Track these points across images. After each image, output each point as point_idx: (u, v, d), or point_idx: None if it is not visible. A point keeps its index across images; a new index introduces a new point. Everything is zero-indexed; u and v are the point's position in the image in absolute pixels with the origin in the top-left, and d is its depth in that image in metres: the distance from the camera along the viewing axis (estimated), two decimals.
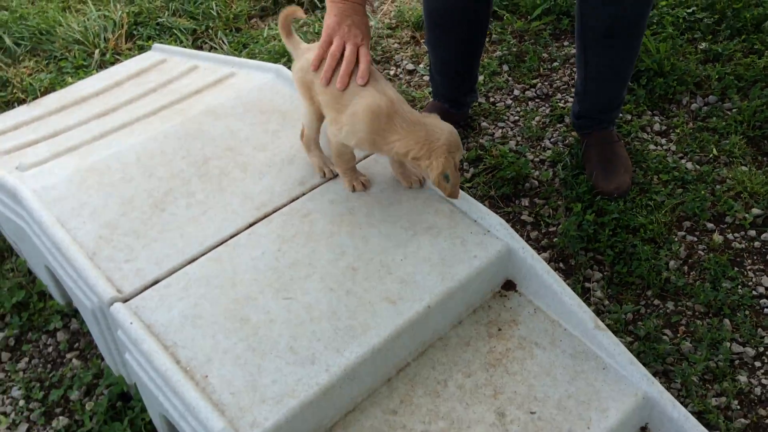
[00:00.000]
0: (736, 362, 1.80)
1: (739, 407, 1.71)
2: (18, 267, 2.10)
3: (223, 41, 2.99)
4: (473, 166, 2.34)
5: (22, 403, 1.80)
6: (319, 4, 3.21)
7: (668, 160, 2.32)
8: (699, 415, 1.66)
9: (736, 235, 2.11)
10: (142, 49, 2.92)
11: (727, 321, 1.88)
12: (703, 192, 2.20)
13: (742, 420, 1.67)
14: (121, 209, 1.67)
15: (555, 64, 2.78)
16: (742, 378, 1.76)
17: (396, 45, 2.97)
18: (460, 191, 1.65)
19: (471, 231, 1.63)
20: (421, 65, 2.83)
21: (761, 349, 1.83)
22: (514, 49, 2.85)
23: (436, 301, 1.49)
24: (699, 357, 1.79)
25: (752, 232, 2.10)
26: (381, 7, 3.21)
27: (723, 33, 2.82)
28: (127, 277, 1.52)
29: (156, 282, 1.51)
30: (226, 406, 1.29)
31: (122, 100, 2.18)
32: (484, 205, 2.17)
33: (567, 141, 2.42)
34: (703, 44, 2.78)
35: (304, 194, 1.72)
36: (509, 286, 1.67)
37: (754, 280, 1.98)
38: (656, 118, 2.50)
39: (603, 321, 1.85)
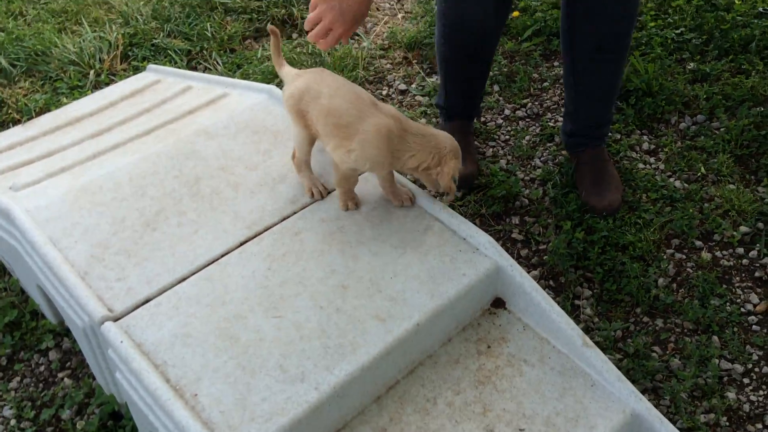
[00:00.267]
0: (725, 379, 1.82)
1: (728, 423, 1.72)
2: (11, 286, 2.10)
3: (217, 62, 3.02)
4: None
5: (13, 422, 1.80)
6: None
7: (657, 178, 2.35)
8: None
9: (724, 252, 2.13)
10: (136, 70, 2.95)
11: (715, 338, 1.90)
12: (691, 210, 2.22)
13: None
14: (112, 228, 1.68)
15: (545, 84, 2.81)
16: (731, 395, 1.77)
17: (388, 65, 3.00)
18: (451, 210, 1.71)
19: (460, 249, 1.64)
20: (413, 85, 2.87)
21: (750, 366, 1.84)
22: (505, 70, 2.89)
23: (426, 318, 1.50)
24: (688, 374, 1.80)
25: (740, 250, 2.12)
26: (374, 28, 3.25)
27: (711, 53, 2.86)
28: (118, 296, 1.53)
29: (147, 301, 1.52)
30: (215, 424, 1.29)
31: (116, 120, 2.20)
32: (475, 223, 2.20)
33: (557, 160, 2.45)
34: (692, 64, 2.82)
35: (295, 213, 1.73)
36: (498, 303, 1.68)
37: (742, 297, 2.00)
38: (645, 137, 2.53)
39: (592, 338, 1.87)
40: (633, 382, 1.74)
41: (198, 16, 3.30)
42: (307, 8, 3.31)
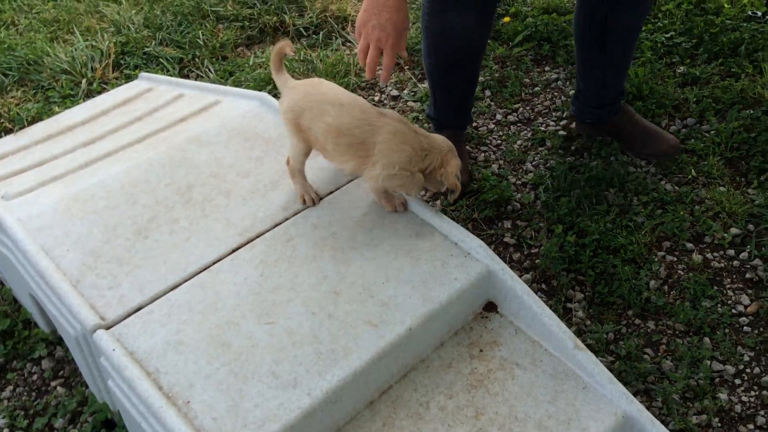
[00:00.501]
0: (717, 380, 1.82)
1: (719, 425, 1.73)
2: (3, 295, 2.10)
3: (209, 69, 3.03)
4: None
5: (6, 431, 1.80)
6: (304, 33, 3.26)
7: (648, 181, 2.36)
8: None
9: (715, 254, 2.14)
10: (128, 78, 2.96)
11: (707, 339, 1.91)
12: (682, 212, 2.24)
13: None
14: (104, 237, 1.68)
15: (536, 89, 2.83)
16: (723, 396, 1.78)
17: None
18: (442, 215, 1.72)
19: (452, 254, 1.65)
20: (405, 91, 2.88)
21: (741, 367, 1.85)
22: (497, 75, 2.90)
23: (418, 323, 1.51)
24: (679, 375, 1.81)
25: (731, 252, 2.13)
26: None
27: (700, 57, 2.88)
28: (110, 304, 1.53)
29: (139, 308, 1.52)
30: (208, 431, 1.30)
31: (108, 128, 2.21)
32: (467, 227, 2.21)
33: (548, 164, 2.46)
34: (681, 68, 2.84)
35: (287, 219, 1.74)
36: (490, 307, 1.69)
37: (733, 298, 2.01)
38: None
39: (584, 341, 1.88)
40: (625, 384, 1.75)
41: (190, 24, 3.31)
42: (300, 14, 3.34)
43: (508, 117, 2.71)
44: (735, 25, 2.99)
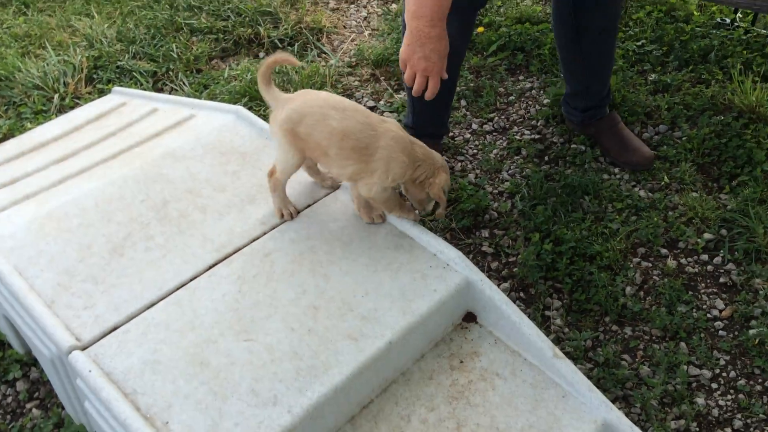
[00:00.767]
0: (694, 385, 1.85)
1: (698, 429, 1.75)
2: None
3: (183, 83, 3.01)
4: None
5: None
6: (279, 45, 3.26)
7: (622, 188, 2.39)
8: None
9: (689, 259, 2.17)
10: (102, 93, 2.93)
11: (683, 344, 1.93)
12: (656, 219, 2.26)
13: None
14: (79, 255, 1.66)
15: (511, 98, 2.85)
16: (700, 400, 1.80)
17: (356, 83, 3.02)
18: (421, 226, 1.74)
19: (431, 265, 1.66)
20: (382, 102, 2.88)
21: (717, 371, 1.87)
22: (472, 85, 2.92)
23: (398, 336, 1.51)
24: (657, 381, 1.83)
25: (704, 257, 2.16)
26: (341, 45, 3.27)
27: (671, 64, 2.92)
28: (85, 324, 1.51)
29: (115, 328, 1.50)
30: None
31: (81, 144, 2.18)
32: (446, 237, 2.22)
33: (524, 173, 2.48)
34: (653, 75, 2.88)
35: (264, 234, 1.73)
36: (470, 318, 1.69)
37: (708, 303, 2.04)
38: None
39: (563, 348, 1.89)
40: (604, 390, 1.76)
41: (163, 37, 3.29)
42: (274, 26, 3.34)
43: (484, 126, 2.73)
44: (704, 33, 3.04)
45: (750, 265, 2.12)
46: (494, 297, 1.62)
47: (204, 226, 1.74)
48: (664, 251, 2.19)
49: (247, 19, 3.37)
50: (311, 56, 3.17)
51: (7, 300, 1.63)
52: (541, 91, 2.86)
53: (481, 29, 3.20)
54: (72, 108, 2.81)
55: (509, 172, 2.51)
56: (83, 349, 1.46)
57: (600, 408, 1.50)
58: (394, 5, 3.54)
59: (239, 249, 1.69)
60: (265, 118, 2.71)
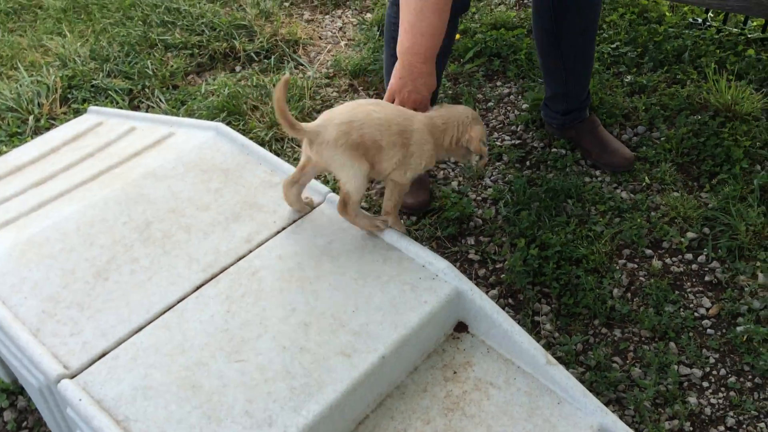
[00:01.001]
0: (685, 384, 1.86)
1: (691, 429, 1.76)
2: None
3: (160, 99, 2.98)
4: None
5: None
6: (255, 58, 3.24)
7: (604, 190, 2.40)
8: None
9: (674, 259, 2.19)
10: (77, 113, 2.89)
11: (672, 344, 1.94)
12: (639, 220, 2.28)
13: None
14: (63, 281, 1.63)
15: (490, 104, 2.86)
16: (692, 399, 1.81)
17: (335, 93, 3.01)
18: (408, 237, 1.72)
19: (420, 276, 1.65)
20: None
21: (707, 369, 1.89)
22: (450, 92, 2.93)
23: (391, 350, 1.49)
24: (649, 382, 1.83)
25: (689, 256, 2.18)
26: (318, 57, 3.26)
27: (646, 65, 2.96)
28: (73, 351, 1.48)
29: (103, 354, 1.47)
30: None
31: (59, 167, 2.15)
32: (432, 246, 2.21)
33: (506, 179, 2.49)
34: (629, 77, 2.91)
35: (251, 251, 1.71)
36: (461, 327, 1.69)
37: (694, 302, 2.06)
38: None
39: (554, 353, 1.90)
40: (597, 394, 1.77)
41: (138, 54, 3.26)
42: (250, 40, 3.32)
43: None
44: (677, 33, 3.08)
45: (734, 262, 2.14)
46: (485, 306, 1.62)
47: (189, 245, 1.72)
48: (648, 252, 2.21)
49: (222, 33, 3.36)
50: (288, 69, 3.16)
51: None
52: (519, 96, 2.88)
53: (457, 36, 3.21)
54: (48, 129, 2.77)
55: (492, 178, 2.51)
56: (72, 377, 1.43)
57: (595, 413, 1.50)
58: (369, 15, 3.54)
59: (226, 268, 1.67)
60: (245, 133, 2.70)
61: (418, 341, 1.57)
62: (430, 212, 2.36)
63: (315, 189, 1.86)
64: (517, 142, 2.65)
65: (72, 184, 2.01)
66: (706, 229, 2.25)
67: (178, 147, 2.10)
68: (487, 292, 2.08)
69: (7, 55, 3.32)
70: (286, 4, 3.66)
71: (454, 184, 2.49)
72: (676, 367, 1.88)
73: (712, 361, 1.91)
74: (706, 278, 2.11)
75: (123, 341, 1.50)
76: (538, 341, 1.62)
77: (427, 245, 2.21)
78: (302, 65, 3.20)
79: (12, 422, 1.85)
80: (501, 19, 3.28)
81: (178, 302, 1.58)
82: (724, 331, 1.98)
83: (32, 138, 2.67)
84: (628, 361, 1.92)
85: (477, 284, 1.99)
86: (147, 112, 2.94)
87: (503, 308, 1.94)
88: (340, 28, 3.48)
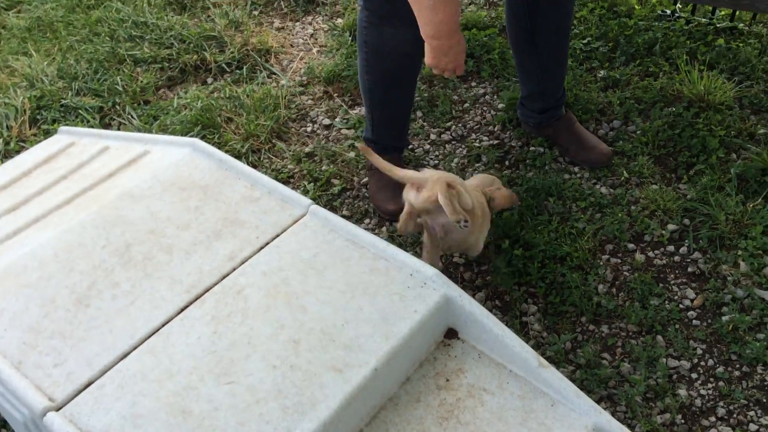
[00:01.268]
0: (674, 377, 1.87)
1: (683, 421, 1.77)
2: None
3: (131, 116, 2.94)
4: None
5: None
6: (227, 69, 3.21)
7: (583, 186, 2.41)
8: None
9: (656, 252, 2.20)
10: (48, 134, 2.84)
11: (659, 337, 1.95)
12: (620, 214, 2.29)
13: None
14: (43, 311, 1.59)
15: (466, 105, 2.86)
16: (682, 392, 1.82)
17: (310, 101, 2.99)
18: (394, 246, 1.70)
19: (408, 285, 1.64)
20: (337, 119, 2.86)
21: (696, 361, 1.90)
22: (426, 95, 2.92)
23: (383, 362, 1.48)
24: (639, 377, 1.84)
25: (671, 248, 2.20)
26: (290, 65, 3.24)
27: (618, 59, 2.97)
28: (58, 382, 1.44)
29: (89, 384, 1.44)
30: None
31: (32, 191, 2.10)
32: (417, 251, 2.20)
33: None
34: (602, 72, 2.92)
35: (234, 269, 1.69)
36: (451, 334, 1.68)
37: (679, 293, 2.07)
38: None
39: (544, 353, 1.90)
40: (588, 392, 1.77)
41: (106, 71, 3.21)
42: (220, 51, 3.28)
43: (442, 136, 2.73)
44: (647, 26, 3.10)
45: (715, 252, 2.16)
46: (474, 311, 1.61)
47: (171, 267, 1.69)
48: (631, 246, 2.22)
49: (192, 45, 3.32)
50: (261, 78, 3.13)
51: None
52: (495, 96, 2.88)
53: None
54: (18, 152, 2.72)
55: None
56: (58, 409, 1.39)
57: (589, 413, 1.50)
58: (339, 20, 3.52)
59: (210, 288, 1.64)
60: (221, 146, 2.67)
61: (409, 351, 1.56)
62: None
63: (296, 201, 1.84)
64: (495, 142, 2.65)
65: (47, 208, 1.97)
66: (686, 221, 2.27)
67: (154, 165, 2.07)
68: (474, 295, 2.07)
69: None
70: (255, 13, 3.63)
71: None
72: (664, 360, 1.89)
73: (699, 352, 1.92)
74: (689, 269, 2.13)
75: (108, 369, 1.47)
76: (527, 342, 1.62)
77: (411, 251, 2.19)
78: (275, 74, 3.18)
79: None
80: (472, 19, 3.28)
81: (163, 326, 1.55)
82: (709, 321, 1.99)
83: (2, 161, 2.61)
84: (617, 357, 1.92)
85: (463, 288, 1.99)
86: (119, 129, 2.90)
87: (491, 311, 1.93)
88: (312, 35, 3.46)
